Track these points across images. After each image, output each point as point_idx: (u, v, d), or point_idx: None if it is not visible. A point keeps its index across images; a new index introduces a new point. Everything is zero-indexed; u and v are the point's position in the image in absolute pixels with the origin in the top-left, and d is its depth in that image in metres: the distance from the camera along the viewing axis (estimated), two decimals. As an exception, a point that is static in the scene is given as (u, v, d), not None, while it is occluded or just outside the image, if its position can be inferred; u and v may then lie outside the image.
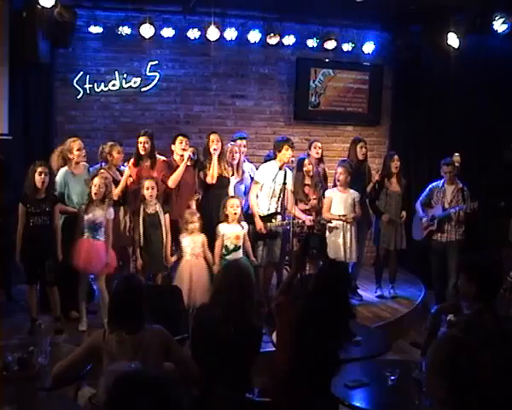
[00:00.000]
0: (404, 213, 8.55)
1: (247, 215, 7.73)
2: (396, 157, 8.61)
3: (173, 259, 7.24)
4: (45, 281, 6.94)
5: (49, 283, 6.93)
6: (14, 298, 7.87)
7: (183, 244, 7.09)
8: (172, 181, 7.46)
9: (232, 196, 7.38)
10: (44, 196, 6.82)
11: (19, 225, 6.77)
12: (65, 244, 7.02)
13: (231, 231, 7.14)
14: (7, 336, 6.39)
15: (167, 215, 7.25)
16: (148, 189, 7.09)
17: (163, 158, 7.79)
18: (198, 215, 7.16)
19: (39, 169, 6.73)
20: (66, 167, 7.31)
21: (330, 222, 8.03)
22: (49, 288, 6.94)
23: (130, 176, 7.52)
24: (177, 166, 7.50)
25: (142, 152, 7.60)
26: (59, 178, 7.23)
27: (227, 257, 7.07)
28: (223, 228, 7.16)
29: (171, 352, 4.06)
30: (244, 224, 7.29)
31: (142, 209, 7.13)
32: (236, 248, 7.14)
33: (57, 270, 6.92)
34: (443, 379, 2.67)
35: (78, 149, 7.33)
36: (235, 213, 7.12)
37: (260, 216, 7.63)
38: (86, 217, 6.88)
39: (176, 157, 7.62)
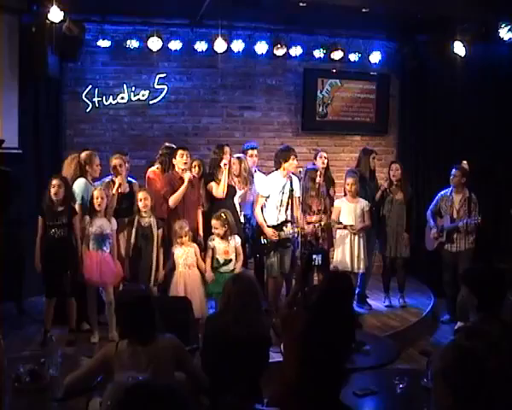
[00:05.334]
0: (405, 234, 8.57)
1: (257, 227, 7.77)
2: (394, 166, 8.63)
3: (162, 274, 7.21)
4: (64, 292, 6.98)
5: (69, 294, 6.98)
6: (26, 311, 7.91)
7: (175, 256, 7.12)
8: (173, 201, 7.38)
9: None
10: (63, 208, 6.89)
11: (37, 238, 6.86)
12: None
13: (220, 246, 7.18)
14: (18, 348, 6.45)
15: (161, 230, 7.20)
16: (141, 200, 7.08)
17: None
18: (187, 228, 7.13)
19: (53, 182, 6.81)
20: (84, 178, 7.34)
21: (339, 224, 8.06)
22: (69, 299, 6.99)
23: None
24: (180, 179, 7.44)
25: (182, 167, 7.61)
26: (81, 187, 7.26)
27: (219, 269, 7.15)
28: (212, 242, 7.21)
29: (182, 362, 4.08)
30: (235, 237, 7.27)
31: (136, 220, 7.14)
32: (227, 262, 7.17)
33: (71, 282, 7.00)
34: (449, 387, 2.68)
35: (97, 165, 7.41)
36: (185, 236, 7.12)
37: (270, 226, 7.66)
38: (92, 230, 6.93)
39: (178, 171, 7.55)
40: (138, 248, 7.11)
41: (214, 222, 7.12)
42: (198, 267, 7.16)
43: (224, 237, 7.14)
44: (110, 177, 7.55)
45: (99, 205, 6.92)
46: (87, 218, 7.01)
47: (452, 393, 2.65)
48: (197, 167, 7.85)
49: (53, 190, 6.78)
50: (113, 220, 7.10)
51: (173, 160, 7.60)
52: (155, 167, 7.91)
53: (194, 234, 7.40)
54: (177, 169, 7.55)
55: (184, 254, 7.09)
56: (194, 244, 7.20)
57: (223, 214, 7.14)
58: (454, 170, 8.38)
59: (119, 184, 7.37)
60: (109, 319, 6.93)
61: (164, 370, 3.84)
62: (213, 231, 7.14)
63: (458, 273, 8.20)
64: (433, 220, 8.54)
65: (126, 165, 7.71)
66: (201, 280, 7.12)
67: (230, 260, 7.17)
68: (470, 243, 8.31)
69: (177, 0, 8.79)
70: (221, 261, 7.15)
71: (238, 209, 7.78)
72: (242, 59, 10.11)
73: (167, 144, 8.06)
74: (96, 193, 6.97)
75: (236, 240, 7.27)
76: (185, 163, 7.49)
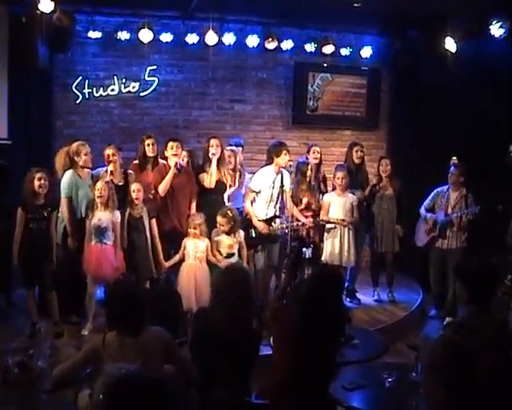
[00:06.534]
0: (398, 226, 8.59)
1: (246, 220, 7.77)
2: (384, 162, 8.66)
3: (168, 264, 7.28)
4: (44, 286, 6.97)
5: (48, 287, 6.96)
6: (14, 302, 7.88)
7: (186, 247, 7.15)
8: (161, 189, 7.42)
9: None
10: (44, 202, 6.86)
11: (16, 230, 6.81)
12: (68, 250, 7.15)
13: (225, 240, 7.21)
14: (7, 339, 6.44)
15: (154, 220, 7.25)
16: (134, 191, 7.10)
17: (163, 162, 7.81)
18: (201, 220, 7.18)
19: (38, 175, 6.76)
20: (72, 170, 7.31)
21: (329, 222, 8.09)
22: (49, 292, 6.98)
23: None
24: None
25: (150, 154, 7.63)
26: (67, 179, 7.22)
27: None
28: (218, 237, 7.24)
29: (171, 354, 4.09)
30: (240, 232, 7.33)
31: (127, 213, 7.14)
32: (229, 256, 7.19)
33: (57, 274, 6.97)
34: (439, 382, 2.69)
35: (85, 154, 7.34)
36: (197, 228, 7.17)
37: (259, 220, 7.68)
38: (92, 222, 6.90)
39: (170, 163, 7.59)
40: (131, 241, 7.12)
41: (220, 219, 7.15)
42: (208, 262, 7.19)
43: (229, 232, 7.18)
44: (105, 168, 7.54)
45: (100, 197, 6.89)
46: (88, 212, 7.01)
47: (443, 388, 2.66)
48: (186, 159, 7.86)
49: (38, 184, 6.75)
50: (116, 212, 7.03)
51: (165, 152, 7.62)
52: (137, 161, 7.93)
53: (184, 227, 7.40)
54: (169, 161, 7.56)
55: (195, 246, 7.12)
56: (207, 239, 7.22)
57: (229, 212, 7.21)
58: (453, 168, 8.37)
59: (111, 172, 7.36)
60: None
61: (152, 362, 3.84)
62: (219, 227, 7.17)
63: (446, 270, 8.21)
64: (426, 213, 8.52)
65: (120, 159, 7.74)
66: (209, 274, 7.12)
67: (233, 255, 7.20)
68: (462, 242, 8.28)
69: (168, -8, 8.78)
70: (224, 255, 7.17)
71: (228, 205, 7.79)
72: (233, 52, 10.08)
73: (147, 135, 8.02)
74: (98, 185, 6.95)
75: (241, 234, 7.33)
76: (175, 154, 7.50)
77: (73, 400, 3.87)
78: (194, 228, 7.12)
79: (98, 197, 6.90)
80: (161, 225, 7.41)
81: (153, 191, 7.48)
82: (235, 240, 7.25)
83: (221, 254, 7.20)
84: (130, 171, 7.71)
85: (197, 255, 7.13)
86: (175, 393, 2.41)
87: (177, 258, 7.26)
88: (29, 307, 6.96)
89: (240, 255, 7.32)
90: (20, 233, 6.81)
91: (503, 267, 7.21)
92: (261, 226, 7.65)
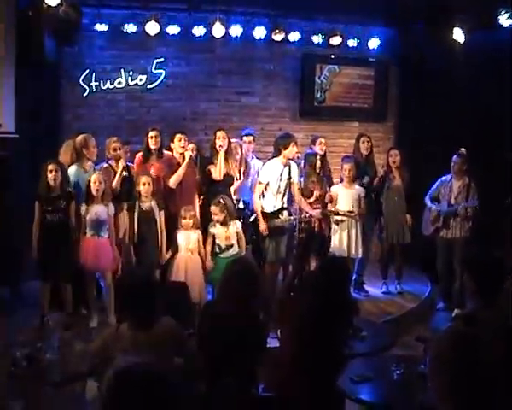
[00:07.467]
0: (408, 216, 8.58)
1: (254, 213, 7.77)
2: (393, 152, 8.64)
3: (167, 256, 7.25)
4: (59, 277, 6.99)
5: (64, 279, 6.98)
6: (23, 295, 7.91)
7: (178, 239, 7.13)
8: (173, 182, 7.40)
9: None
10: (59, 193, 6.87)
11: (34, 223, 6.85)
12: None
13: (221, 232, 7.14)
14: (15, 332, 6.47)
15: (162, 212, 7.24)
16: (144, 184, 7.08)
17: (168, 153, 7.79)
18: (192, 212, 7.16)
19: (50, 167, 6.80)
20: (76, 165, 7.32)
21: (337, 214, 8.08)
22: (64, 284, 6.99)
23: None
24: (178, 164, 7.47)
25: (153, 146, 7.62)
26: (71, 176, 7.25)
27: (220, 255, 7.12)
28: (213, 229, 7.18)
29: (180, 346, 4.11)
30: (236, 222, 7.26)
31: (137, 206, 7.15)
32: (228, 248, 7.15)
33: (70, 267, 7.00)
34: (447, 374, 2.68)
35: (94, 147, 7.38)
36: (189, 219, 7.15)
37: (267, 213, 7.65)
38: (89, 215, 6.90)
39: (176, 155, 7.59)
40: (142, 234, 7.12)
41: (213, 208, 7.09)
42: (199, 254, 7.16)
43: (224, 222, 7.12)
44: (106, 163, 7.54)
45: (96, 190, 6.89)
46: (84, 205, 6.98)
47: (450, 380, 2.64)
48: (194, 152, 7.86)
49: (50, 176, 6.78)
50: (111, 205, 7.04)
51: (171, 144, 7.62)
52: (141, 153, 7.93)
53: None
54: (175, 153, 7.57)
55: (187, 238, 7.10)
56: (198, 231, 7.19)
57: (221, 200, 7.11)
58: (455, 157, 8.38)
59: (123, 168, 7.36)
60: (108, 304, 6.95)
61: (164, 354, 3.86)
62: (213, 217, 7.12)
63: (452, 261, 8.22)
64: (430, 203, 8.52)
65: (128, 154, 7.74)
66: (202, 266, 7.12)
67: (232, 246, 7.15)
68: (466, 232, 8.29)
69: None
70: (222, 247, 7.14)
71: (234, 197, 7.78)
72: (240, 44, 10.04)
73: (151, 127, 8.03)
74: (93, 177, 6.94)
75: (237, 225, 7.26)
76: (183, 147, 7.51)
77: (81, 392, 3.88)
78: (190, 218, 7.10)
79: (96, 191, 6.90)
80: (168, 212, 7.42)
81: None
82: (232, 230, 7.19)
83: (220, 247, 7.17)
84: (130, 164, 7.72)
85: (189, 247, 7.09)
86: (181, 386, 2.40)
87: (170, 253, 7.23)
88: (42, 300, 6.97)
89: (239, 246, 7.25)
90: (38, 226, 6.84)
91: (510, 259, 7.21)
92: (263, 227, 7.61)
